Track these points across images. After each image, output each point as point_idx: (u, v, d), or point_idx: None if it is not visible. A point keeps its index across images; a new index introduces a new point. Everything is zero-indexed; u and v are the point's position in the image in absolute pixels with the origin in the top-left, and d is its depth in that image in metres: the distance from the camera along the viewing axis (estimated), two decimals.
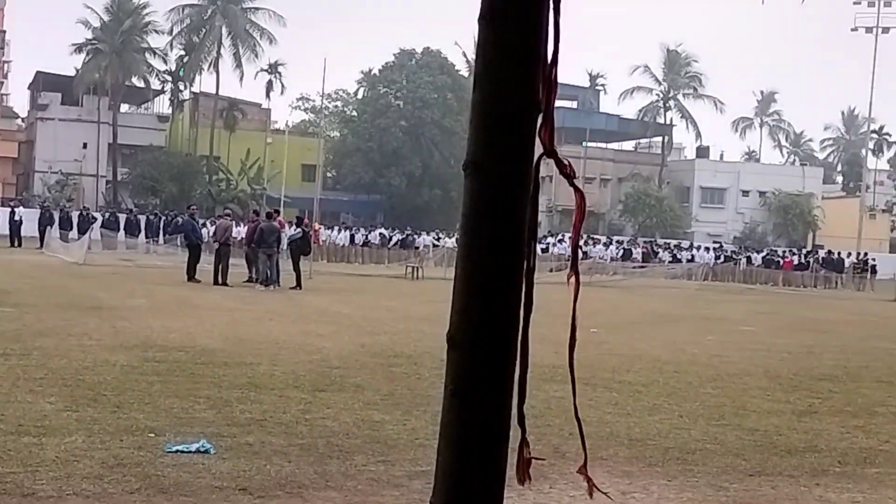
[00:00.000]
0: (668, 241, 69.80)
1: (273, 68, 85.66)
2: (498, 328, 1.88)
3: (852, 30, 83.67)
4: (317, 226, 53.06)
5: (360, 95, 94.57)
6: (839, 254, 61.25)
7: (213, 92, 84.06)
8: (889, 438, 11.37)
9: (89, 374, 12.35)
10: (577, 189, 2.00)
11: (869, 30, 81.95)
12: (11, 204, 59.77)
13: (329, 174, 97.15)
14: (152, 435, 9.34)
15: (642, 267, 56.21)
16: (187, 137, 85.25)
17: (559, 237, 65.66)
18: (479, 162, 1.89)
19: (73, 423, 9.62)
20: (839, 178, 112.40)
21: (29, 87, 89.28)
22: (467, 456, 1.89)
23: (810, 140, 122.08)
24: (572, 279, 2.12)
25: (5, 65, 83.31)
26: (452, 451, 1.91)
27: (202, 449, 8.85)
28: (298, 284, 30.46)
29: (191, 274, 30.94)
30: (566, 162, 1.95)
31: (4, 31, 78.23)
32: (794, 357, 18.64)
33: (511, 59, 1.83)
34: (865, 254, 60.83)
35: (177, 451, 8.77)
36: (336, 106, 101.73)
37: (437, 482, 1.94)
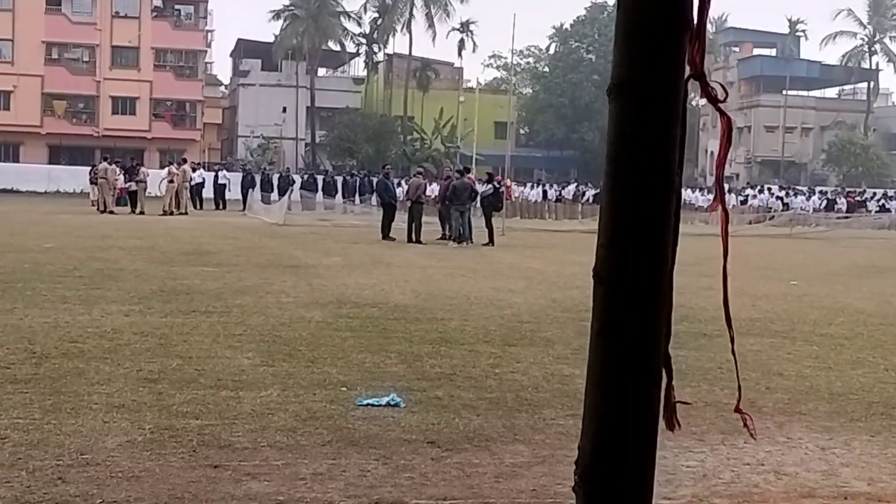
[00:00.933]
0: (874, 190, 67.14)
1: (465, 27, 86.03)
2: (647, 263, 1.76)
3: None
4: (508, 182, 53.10)
5: (551, 51, 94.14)
6: None
7: (407, 53, 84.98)
8: None
9: (285, 331, 12.65)
10: (722, 113, 1.86)
11: None
12: (216, 168, 61.86)
13: (522, 131, 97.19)
14: (344, 389, 9.49)
15: (846, 218, 54.26)
16: (382, 99, 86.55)
17: (758, 188, 64.02)
18: (624, 85, 1.76)
19: (268, 378, 9.86)
20: None
21: (231, 55, 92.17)
22: (616, 398, 1.79)
23: None
24: (717, 211, 1.97)
25: (209, 34, 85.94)
26: (600, 393, 1.81)
27: (392, 403, 8.94)
28: (491, 241, 30.55)
29: (385, 232, 31.38)
30: (713, 84, 1.80)
31: (206, 1, 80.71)
32: None
33: None
34: None
35: (367, 404, 8.88)
36: (528, 62, 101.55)
37: (585, 425, 1.84)
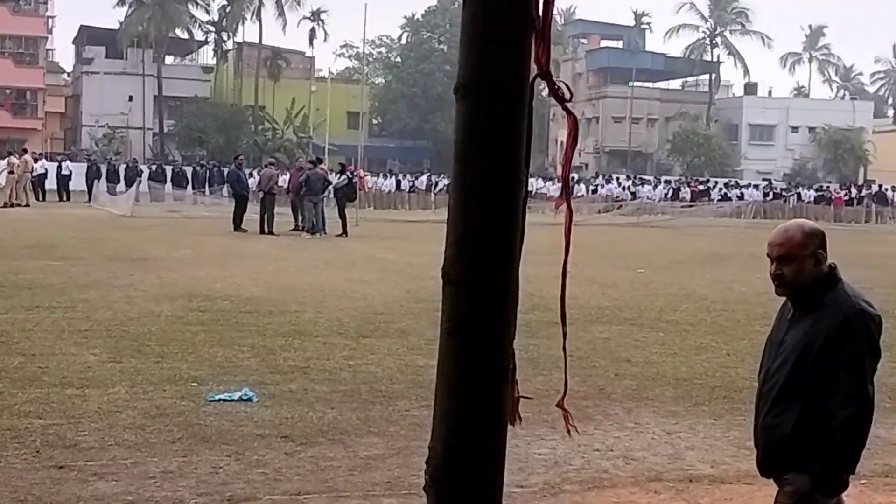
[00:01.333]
0: (717, 179, 69.03)
1: (316, 15, 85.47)
2: (495, 262, 1.77)
3: None
4: (362, 172, 52.98)
5: (403, 41, 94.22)
6: (892, 188, 60.35)
7: (257, 41, 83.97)
8: None
9: (133, 326, 12.42)
10: (569, 112, 1.88)
11: None
12: (59, 159, 60.18)
13: (375, 121, 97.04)
14: (195, 384, 9.37)
15: (690, 206, 55.68)
16: (232, 88, 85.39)
17: (606, 178, 65.25)
18: (471, 84, 1.77)
19: (116, 374, 9.67)
20: (890, 112, 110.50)
21: (73, 42, 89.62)
22: (466, 398, 1.80)
23: (860, 74, 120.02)
24: (562, 208, 2.00)
25: (49, 20, 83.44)
26: (450, 393, 1.82)
27: (245, 397, 8.87)
28: (344, 231, 30.48)
29: (237, 224, 31.00)
30: (559, 83, 1.82)
31: None
32: None
33: None
34: None
35: (219, 399, 8.79)
36: (380, 52, 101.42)
37: (436, 425, 1.85)
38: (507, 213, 1.76)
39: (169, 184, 55.15)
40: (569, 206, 1.95)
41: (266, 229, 30.37)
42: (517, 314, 1.88)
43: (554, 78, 1.81)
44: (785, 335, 4.52)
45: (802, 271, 4.47)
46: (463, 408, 1.80)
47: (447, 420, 1.81)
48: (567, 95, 1.83)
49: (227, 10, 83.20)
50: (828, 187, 64.99)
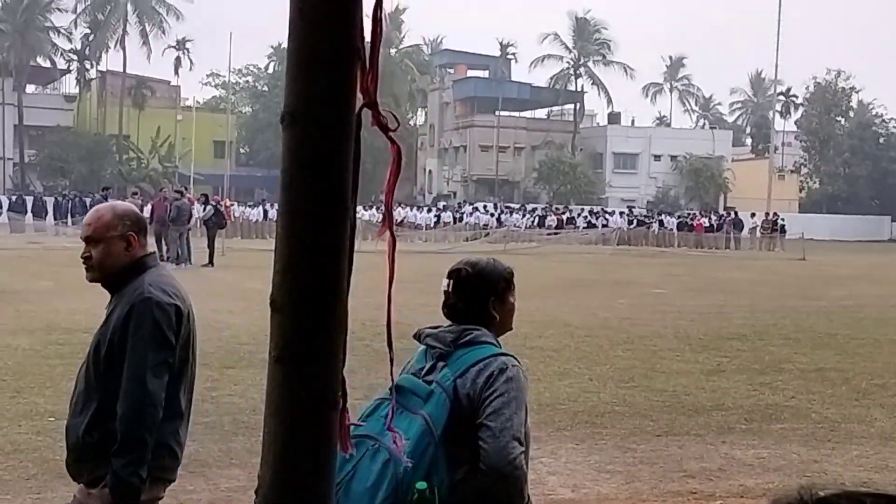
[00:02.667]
0: (582, 207, 70.19)
1: (181, 44, 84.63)
2: (321, 289, 1.79)
3: None
4: (228, 202, 52.55)
5: (270, 70, 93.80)
6: (753, 215, 62.10)
7: (121, 70, 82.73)
8: (794, 394, 11.54)
9: None
10: (393, 142, 1.90)
11: None
12: None
13: (242, 150, 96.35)
14: (52, 419, 9.13)
15: (556, 233, 56.45)
16: (96, 117, 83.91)
17: (474, 206, 65.77)
18: (295, 113, 1.79)
19: None
20: (748, 141, 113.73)
21: None
22: (294, 425, 1.80)
23: (719, 104, 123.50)
24: (385, 235, 2.02)
25: None
26: (279, 421, 1.82)
27: None
28: (210, 262, 30.13)
29: None
30: (385, 113, 1.85)
31: None
32: (704, 317, 18.85)
33: (327, 3, 1.75)
34: (775, 214, 61.68)
35: None
36: (247, 81, 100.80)
37: (265, 452, 1.85)
38: (334, 240, 1.78)
39: (29, 214, 53.86)
40: (392, 234, 1.98)
41: None
42: (346, 343, 1.89)
43: (380, 108, 1.84)
44: (101, 327, 4.21)
45: (110, 255, 4.23)
46: (290, 435, 1.81)
47: (275, 447, 1.82)
48: (392, 125, 1.86)
49: (91, 38, 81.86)
50: (692, 214, 66.54)
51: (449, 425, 3.61)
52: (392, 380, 2.07)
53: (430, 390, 3.66)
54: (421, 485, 3.49)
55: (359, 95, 1.81)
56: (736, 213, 63.78)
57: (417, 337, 3.89)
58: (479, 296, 3.88)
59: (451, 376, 3.69)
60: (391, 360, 2.04)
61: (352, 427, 1.90)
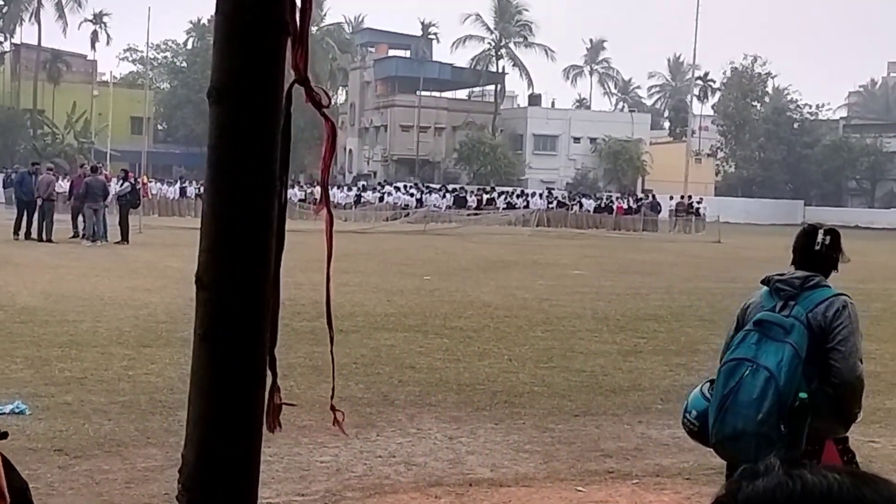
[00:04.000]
0: (502, 188, 70.44)
1: (98, 18, 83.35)
2: (248, 268, 1.77)
3: None
4: (145, 179, 51.88)
5: (189, 46, 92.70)
6: (671, 198, 62.80)
7: (36, 43, 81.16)
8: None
9: None
10: (327, 119, 1.89)
11: None
12: None
13: (160, 127, 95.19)
14: None
15: (477, 214, 56.60)
16: (9, 91, 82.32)
17: (395, 186, 65.67)
18: (222, 88, 1.77)
19: None
20: (666, 125, 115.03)
21: None
22: (219, 403, 1.79)
23: (638, 87, 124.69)
24: (322, 213, 2.01)
25: None
26: (203, 400, 1.81)
27: (16, 410, 8.55)
28: (125, 239, 29.73)
29: (17, 230, 29.79)
30: (317, 90, 1.84)
31: None
32: (622, 299, 19.03)
33: None
34: (690, 197, 62.43)
35: None
36: (165, 57, 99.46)
37: (189, 432, 1.83)
38: (261, 218, 1.76)
39: None
40: (329, 212, 1.96)
41: (44, 237, 29.34)
42: (277, 321, 1.88)
43: (312, 84, 1.82)
44: None
45: None
46: (215, 414, 1.79)
47: (199, 427, 1.80)
48: (325, 101, 1.84)
49: (4, 10, 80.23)
50: (611, 197, 67.09)
51: (806, 348, 4.80)
52: (332, 357, 2.06)
53: (791, 322, 4.87)
54: (803, 395, 4.74)
55: (289, 71, 1.79)
56: (654, 196, 64.47)
57: (766, 282, 5.20)
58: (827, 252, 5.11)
59: (803, 312, 4.89)
60: (331, 339, 2.03)
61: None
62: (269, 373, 1.84)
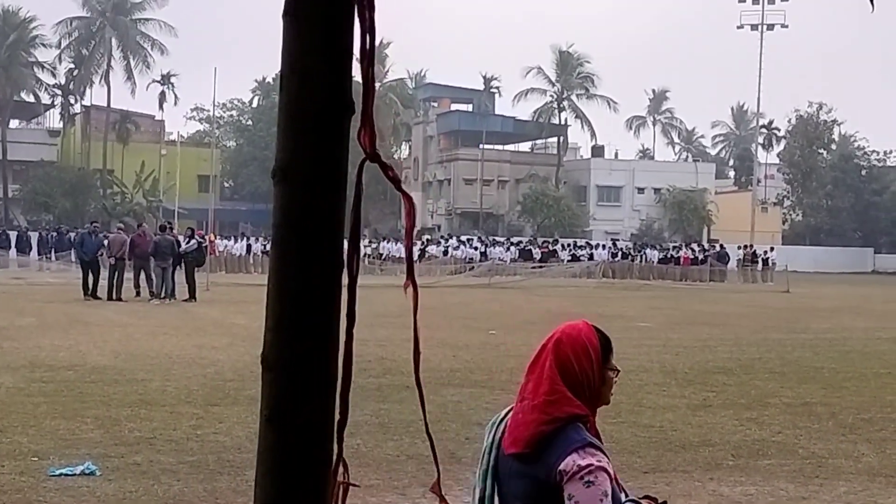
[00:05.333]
0: (566, 239, 70.30)
1: (166, 79, 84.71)
2: (314, 346, 1.77)
3: (738, 27, 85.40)
4: (212, 236, 52.44)
5: (254, 104, 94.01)
6: (740, 247, 62.15)
7: (105, 104, 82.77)
8: (781, 429, 11.51)
9: None
10: (404, 194, 1.90)
11: (754, 27, 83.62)
12: None
13: (226, 184, 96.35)
14: (35, 459, 9.06)
15: (541, 267, 56.47)
16: (80, 151, 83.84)
17: (459, 240, 65.76)
18: (286, 168, 1.78)
19: None
20: (731, 173, 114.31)
21: None
22: (286, 486, 1.78)
23: (702, 136, 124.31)
24: (409, 289, 2.01)
25: None
26: (270, 481, 1.80)
27: (87, 471, 8.61)
28: (192, 296, 30.01)
29: (87, 290, 30.22)
30: (390, 165, 1.84)
31: None
32: (689, 351, 18.83)
33: (318, 59, 1.74)
34: (751, 246, 61.80)
35: (60, 474, 8.51)
36: (231, 115, 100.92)
37: None
38: (325, 298, 1.76)
39: (13, 250, 53.68)
40: (415, 287, 1.96)
41: (114, 296, 29.72)
42: (348, 399, 1.87)
43: (383, 160, 1.83)
44: None
45: None
46: (283, 497, 1.78)
47: None
48: (398, 176, 1.85)
49: (75, 73, 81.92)
50: (677, 247, 66.62)
51: None
52: (431, 439, 2.05)
53: None
54: None
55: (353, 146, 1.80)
56: (722, 246, 63.90)
57: None
58: None
59: None
60: (423, 407, 2.03)
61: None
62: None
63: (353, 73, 1.77)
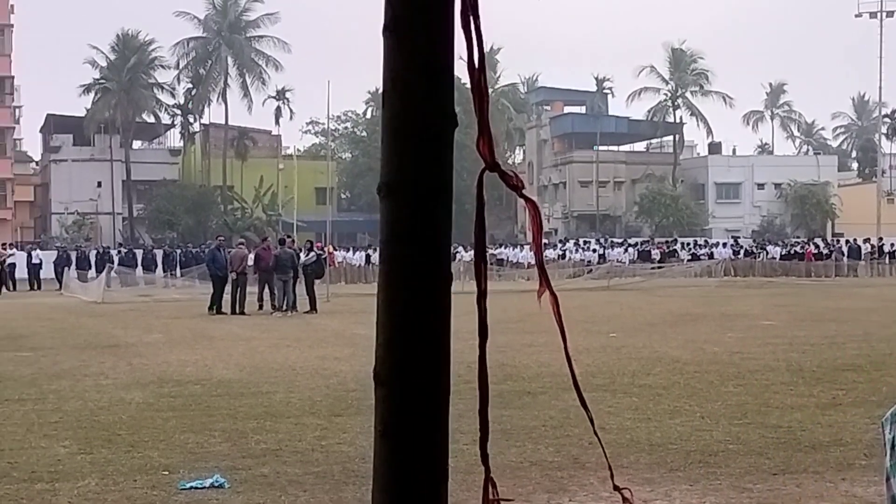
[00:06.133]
0: (685, 239, 69.44)
1: (281, 94, 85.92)
2: (425, 361, 1.76)
3: (856, 16, 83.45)
4: (330, 248, 53.02)
5: (368, 115, 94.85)
6: (866, 240, 60.63)
7: (223, 122, 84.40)
8: None
9: (104, 415, 12.29)
10: (528, 200, 1.88)
11: (873, 14, 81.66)
12: (29, 247, 59.94)
13: (343, 195, 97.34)
14: (166, 473, 9.25)
15: (660, 267, 55.89)
16: (200, 169, 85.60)
17: (577, 243, 65.45)
18: (392, 183, 1.78)
19: (86, 466, 9.54)
20: (854, 165, 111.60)
21: (41, 131, 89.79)
22: (400, 500, 1.77)
23: (822, 129, 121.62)
24: (545, 295, 1.99)
25: (16, 110, 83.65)
26: (386, 497, 1.79)
27: (216, 484, 8.76)
28: (313, 308, 30.39)
29: (214, 305, 30.75)
30: (512, 173, 1.82)
31: (13, 77, 78.43)
32: (817, 349, 18.43)
33: (418, 73, 1.73)
34: (880, 239, 60.28)
35: (190, 487, 8.67)
36: (346, 127, 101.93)
37: None
38: (435, 312, 1.76)
39: (140, 268, 55.03)
40: (552, 293, 1.95)
41: (237, 310, 30.24)
42: (487, 412, 1.86)
43: (503, 168, 1.81)
44: None
45: None
46: None
47: None
48: (520, 183, 1.83)
49: (193, 93, 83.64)
50: (801, 243, 65.30)
51: None
52: (598, 438, 2.03)
53: None
54: None
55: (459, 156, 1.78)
56: (854, 240, 62.35)
57: None
58: None
59: None
60: (590, 419, 2.01)
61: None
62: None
63: (465, 83, 1.77)
